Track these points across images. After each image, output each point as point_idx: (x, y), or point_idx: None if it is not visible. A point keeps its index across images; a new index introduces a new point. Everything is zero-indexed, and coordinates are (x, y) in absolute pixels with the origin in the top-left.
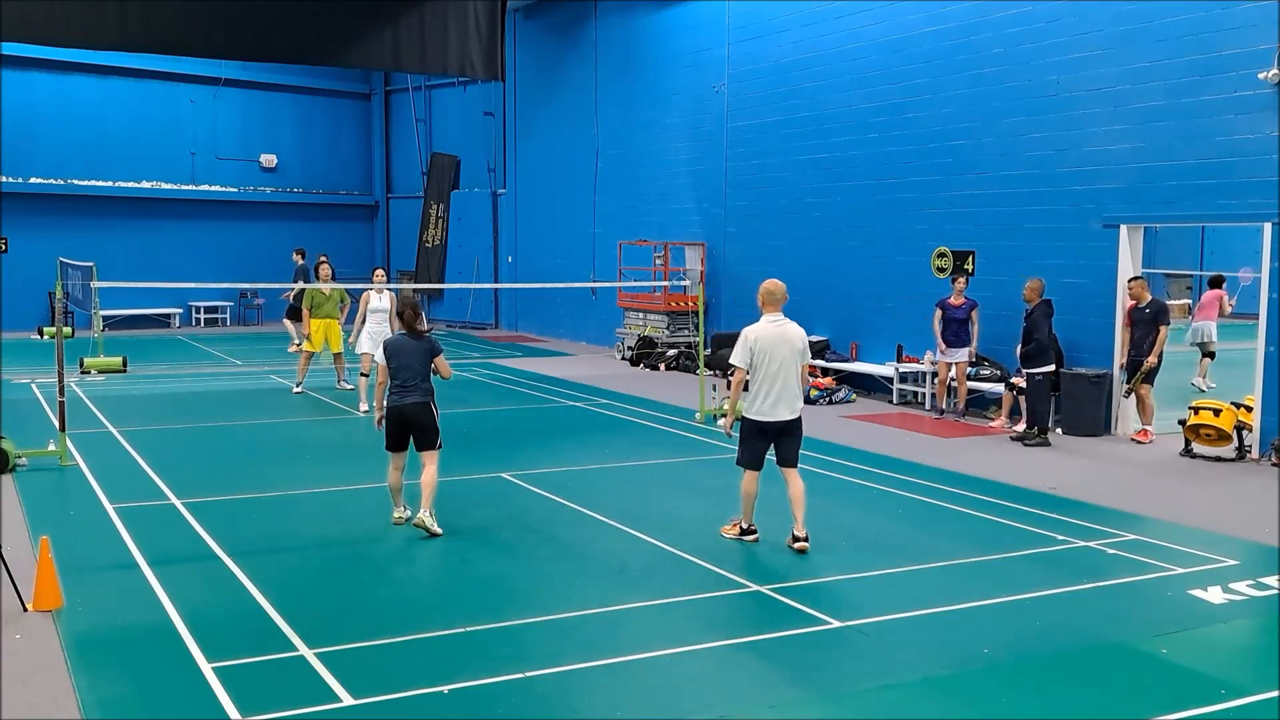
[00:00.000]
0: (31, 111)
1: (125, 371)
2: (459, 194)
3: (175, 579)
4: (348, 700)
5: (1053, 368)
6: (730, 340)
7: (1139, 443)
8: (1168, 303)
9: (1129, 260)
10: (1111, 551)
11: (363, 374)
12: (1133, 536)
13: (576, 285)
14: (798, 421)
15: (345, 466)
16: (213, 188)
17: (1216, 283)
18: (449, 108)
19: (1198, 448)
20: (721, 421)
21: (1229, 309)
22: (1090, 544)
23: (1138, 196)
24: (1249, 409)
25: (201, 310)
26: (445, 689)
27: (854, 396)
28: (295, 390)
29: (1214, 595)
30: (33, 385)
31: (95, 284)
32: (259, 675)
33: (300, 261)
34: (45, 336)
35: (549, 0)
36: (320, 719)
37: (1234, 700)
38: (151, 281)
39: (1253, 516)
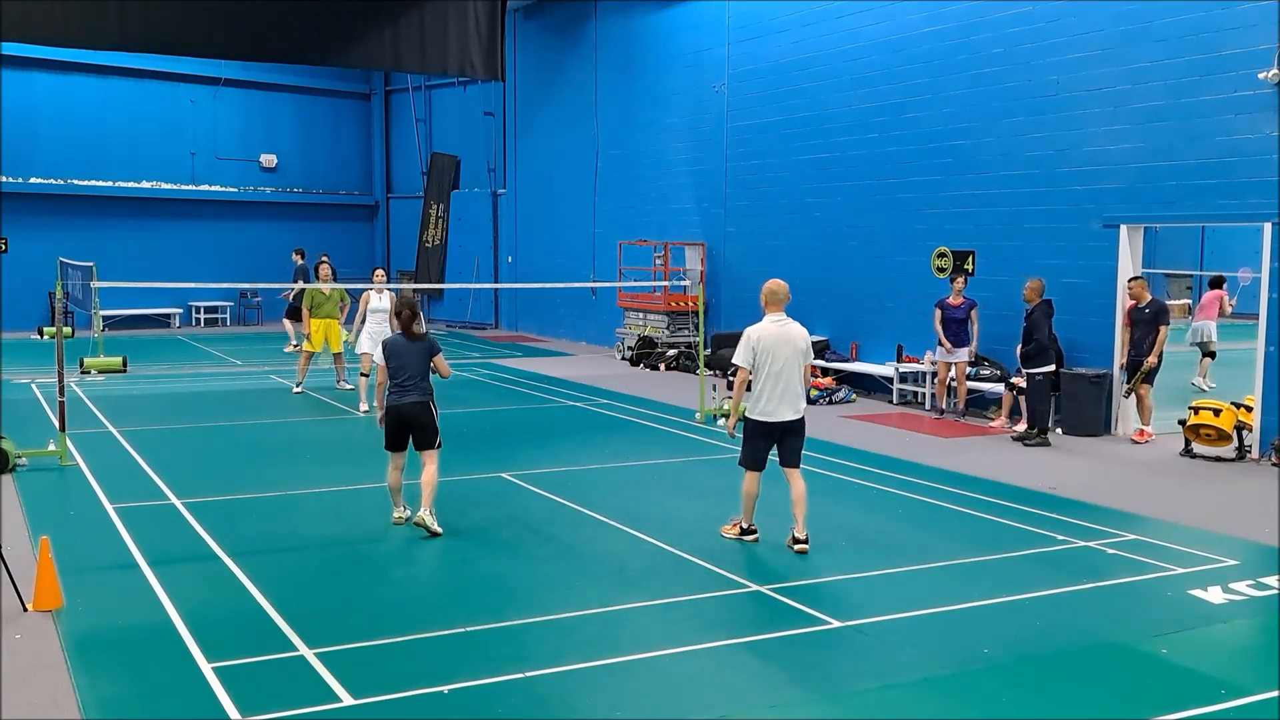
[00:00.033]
0: (31, 111)
1: (125, 371)
2: (459, 194)
3: (175, 579)
4: (348, 700)
5: (1053, 368)
6: (730, 340)
7: (1136, 442)
8: (1168, 303)
9: (1129, 260)
10: (1111, 551)
11: (363, 374)
12: (1133, 536)
13: (576, 285)
14: (801, 422)
15: (345, 466)
16: (213, 188)
17: (1217, 283)
18: (449, 108)
19: (1198, 448)
20: (722, 421)
21: (1229, 309)
22: (1090, 544)
23: (1138, 196)
24: (1249, 409)
25: (201, 310)
26: (445, 689)
27: (854, 396)
28: (295, 390)
29: (1214, 595)
30: (33, 385)
31: (95, 284)
32: (259, 675)
33: (300, 261)
34: (45, 336)
35: (549, 0)
36: (320, 719)
37: (1234, 700)
38: (151, 281)
39: (1253, 516)
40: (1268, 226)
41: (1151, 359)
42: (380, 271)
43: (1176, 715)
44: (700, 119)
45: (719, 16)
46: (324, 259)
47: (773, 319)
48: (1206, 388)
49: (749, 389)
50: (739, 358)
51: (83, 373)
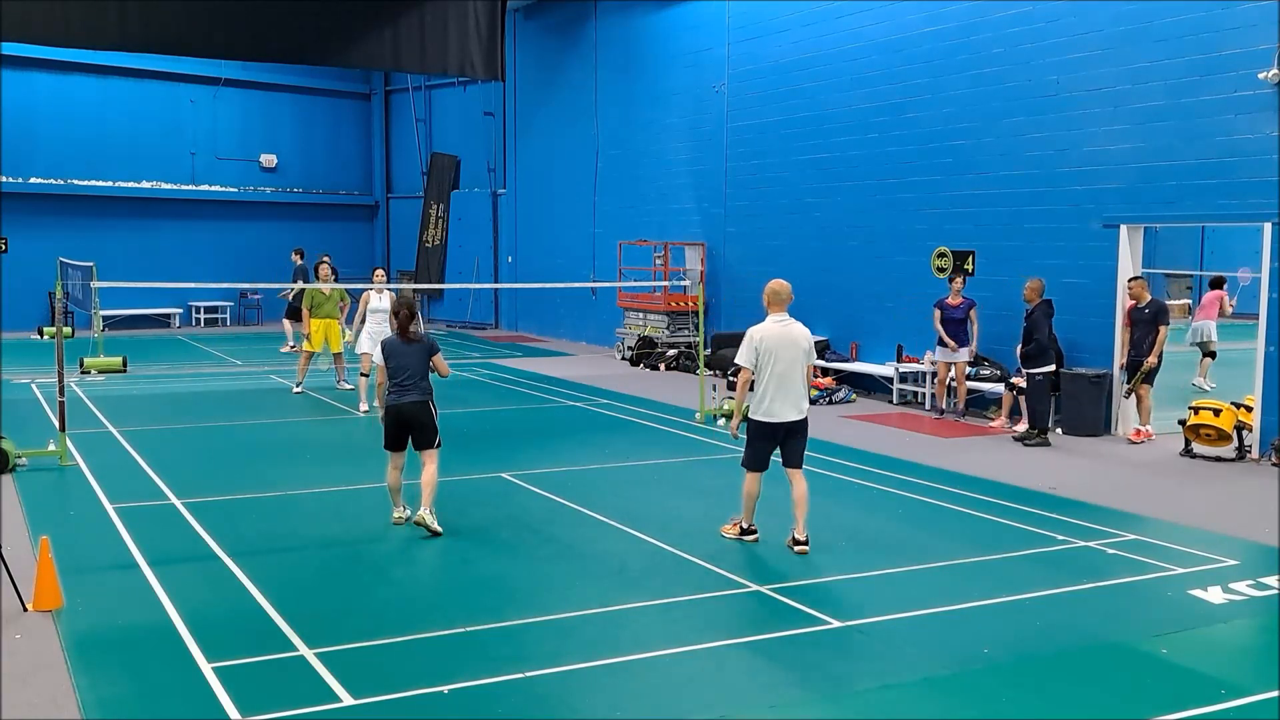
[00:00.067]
0: (31, 111)
1: (125, 371)
2: (459, 194)
3: (175, 579)
4: (348, 700)
5: (1053, 368)
6: (730, 340)
7: (1134, 442)
8: (1168, 303)
9: (1129, 260)
10: (1111, 551)
11: (363, 374)
12: (1133, 536)
13: (576, 285)
14: (804, 422)
15: (345, 466)
16: (213, 188)
17: (1218, 283)
18: (449, 108)
19: (1198, 448)
20: (722, 422)
21: (1230, 309)
22: (1090, 544)
23: (1138, 196)
24: (1249, 409)
25: (201, 310)
26: (445, 689)
27: (854, 396)
28: (295, 390)
29: (1214, 595)
30: (33, 385)
31: (95, 284)
32: (259, 675)
33: (299, 262)
34: (45, 336)
35: (549, 0)
36: (320, 719)
37: (1234, 700)
38: (151, 281)
39: (1253, 516)
40: (1268, 226)
41: (1151, 359)
42: (380, 271)
43: (1176, 715)
44: (700, 119)
45: (719, 16)
46: (325, 259)
47: (775, 319)
48: (1208, 388)
49: (751, 389)
50: (742, 358)
51: (83, 373)
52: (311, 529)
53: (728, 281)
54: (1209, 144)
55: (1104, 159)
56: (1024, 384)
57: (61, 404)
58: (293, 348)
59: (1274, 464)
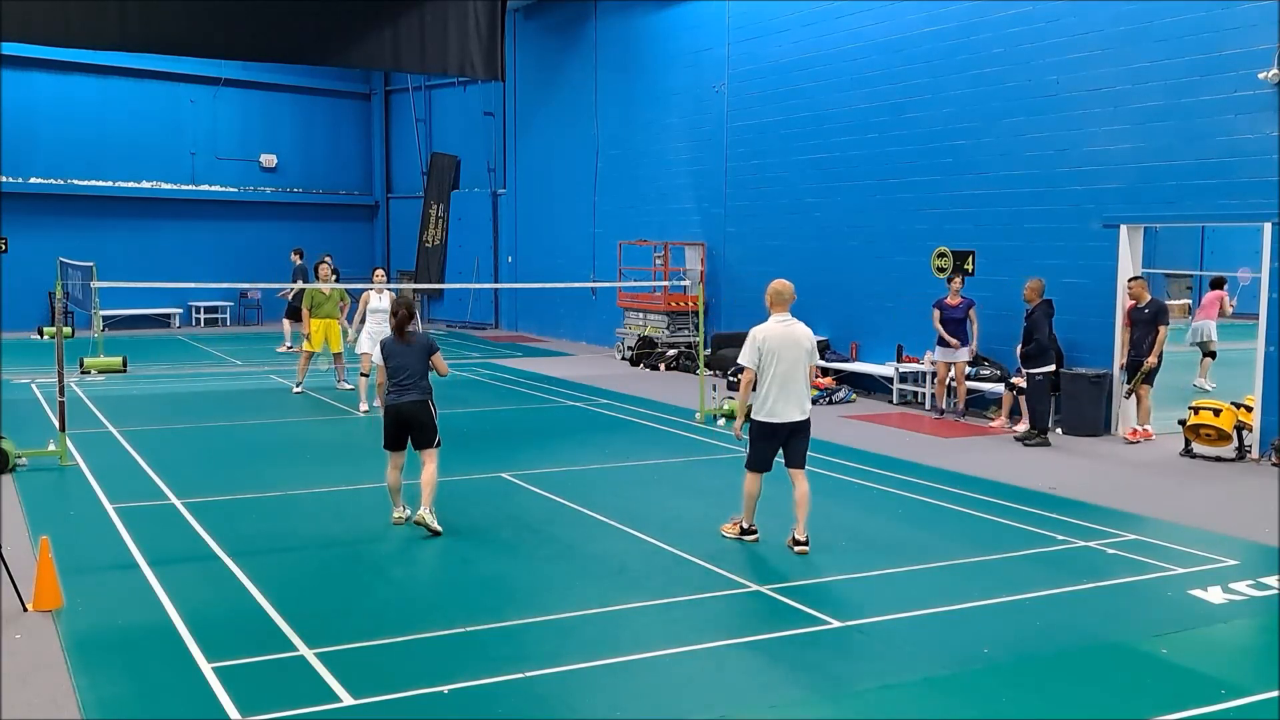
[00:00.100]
0: (31, 111)
1: (125, 371)
2: (459, 194)
3: (175, 579)
4: (348, 700)
5: (1053, 368)
6: (730, 340)
7: (1130, 441)
8: (1168, 303)
9: (1129, 260)
10: (1111, 551)
11: (363, 374)
12: (1133, 536)
13: (576, 285)
14: (807, 422)
15: (345, 466)
16: (213, 188)
17: (1218, 284)
18: (449, 108)
19: (1198, 448)
20: (723, 422)
21: (1230, 310)
22: (1090, 544)
23: (1138, 196)
24: (1249, 409)
25: (201, 310)
26: (445, 689)
27: (854, 396)
28: (295, 390)
29: (1214, 595)
30: (33, 385)
31: (95, 284)
32: (259, 675)
33: (298, 262)
34: (45, 336)
35: (549, 0)
36: (320, 719)
37: (1234, 700)
38: (151, 281)
39: (1253, 516)
40: (1268, 226)
41: (1151, 359)
42: (380, 271)
43: (1176, 715)
44: (700, 119)
45: (719, 16)
46: (326, 259)
47: (778, 319)
48: (1208, 388)
49: (754, 389)
50: (744, 358)
51: (83, 373)
52: (311, 529)
53: (728, 281)
54: (1209, 144)
55: (1104, 159)
56: (1024, 384)
57: (61, 404)
58: (289, 348)
59: (1274, 464)
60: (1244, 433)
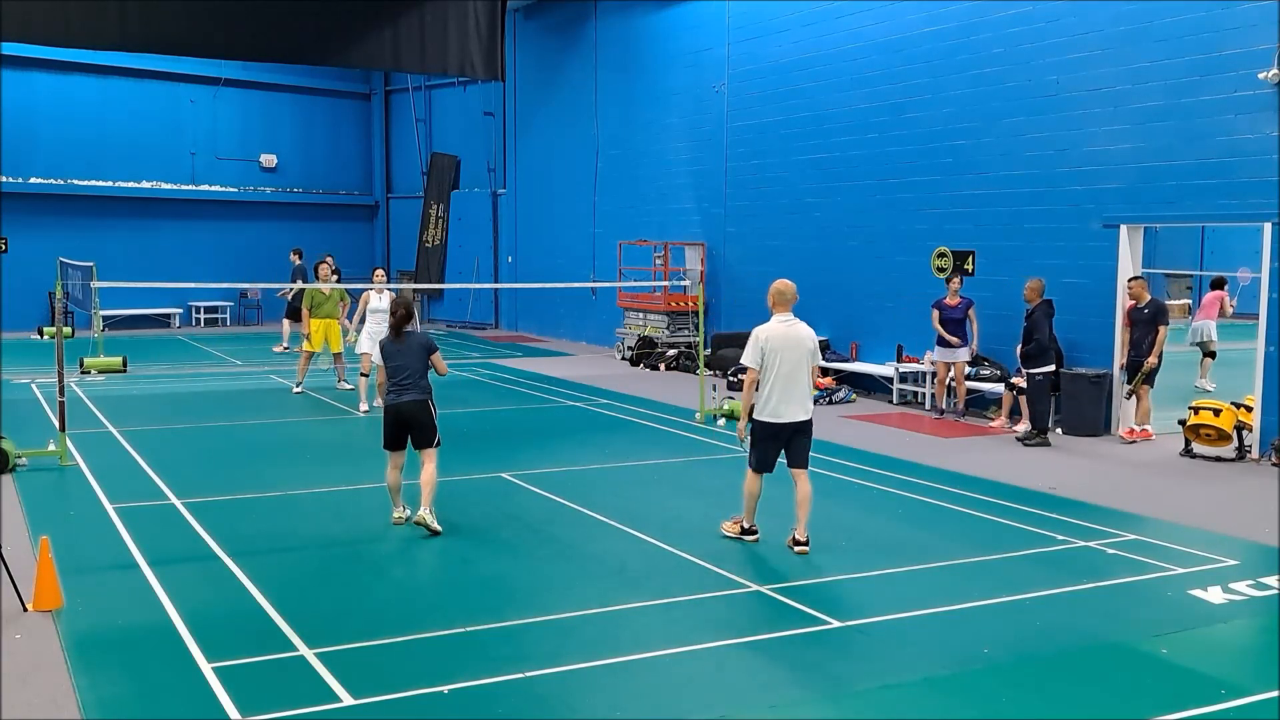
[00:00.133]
0: (31, 111)
1: (125, 371)
2: (459, 194)
3: (175, 579)
4: (348, 700)
5: (1053, 368)
6: (730, 340)
7: (1126, 441)
8: (1168, 303)
9: (1129, 260)
10: (1111, 551)
11: (363, 374)
12: (1133, 536)
13: (576, 285)
14: (809, 422)
15: (345, 466)
16: (213, 188)
17: (1219, 284)
18: (449, 108)
19: (1198, 448)
20: (723, 422)
21: (1230, 310)
22: (1090, 544)
23: (1138, 196)
24: (1249, 409)
25: (201, 310)
26: (445, 689)
27: (854, 396)
28: (295, 390)
29: (1214, 595)
30: (33, 385)
31: (95, 284)
32: (259, 675)
33: (298, 262)
34: (45, 336)
35: (549, 0)
36: (320, 719)
37: (1234, 700)
38: (151, 281)
39: (1253, 516)
40: (1268, 226)
41: (1152, 359)
42: (380, 271)
43: (1176, 715)
44: (700, 119)
45: (719, 16)
46: (327, 259)
47: (780, 319)
48: (1209, 388)
49: (756, 389)
50: (748, 358)
51: (83, 373)
52: (311, 529)
53: (728, 281)
54: (1209, 144)
55: (1104, 159)
56: (1024, 384)
57: (61, 404)
58: (284, 348)
59: (1274, 464)
60: (1244, 433)
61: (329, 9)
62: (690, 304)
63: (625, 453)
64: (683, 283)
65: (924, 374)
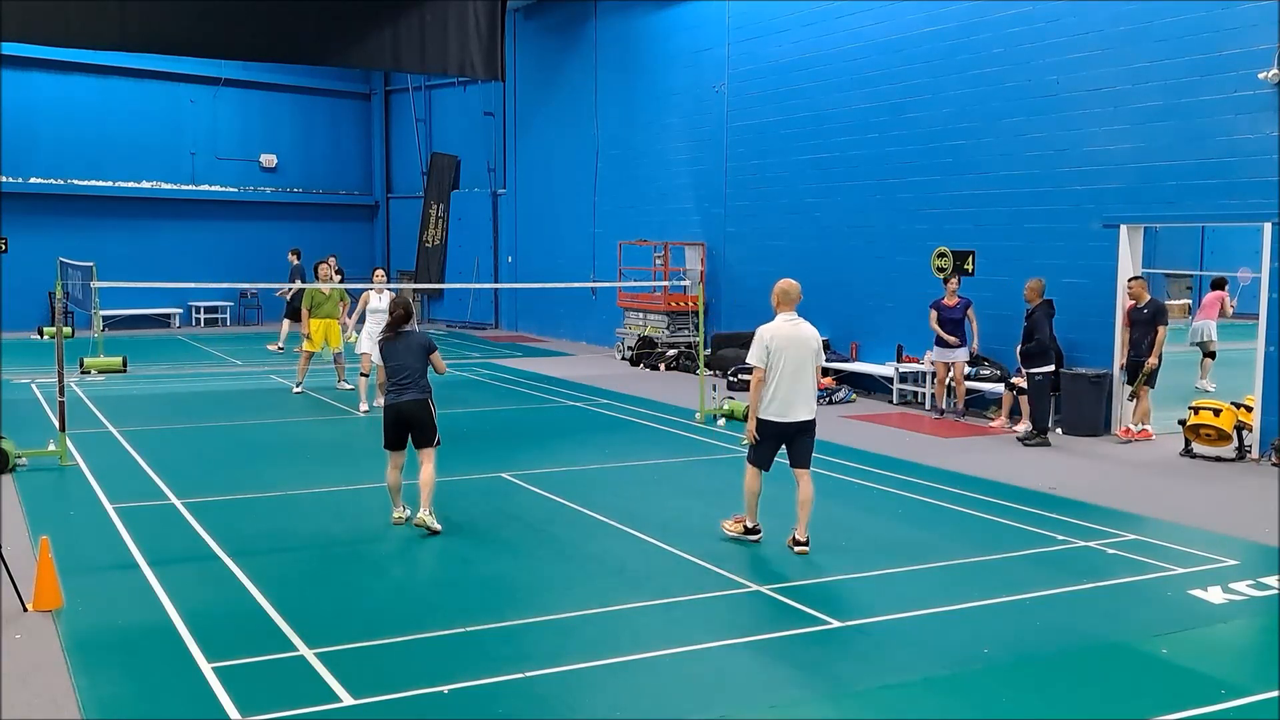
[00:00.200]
0: (31, 111)
1: (125, 371)
2: (459, 194)
3: (175, 579)
4: (348, 700)
5: (1053, 368)
6: (730, 340)
7: (1123, 440)
8: (1168, 303)
9: (1129, 260)
10: (1111, 551)
11: (362, 374)
12: (1133, 536)
13: (576, 285)
14: (813, 422)
15: (345, 466)
16: (213, 188)
17: (1219, 284)
18: (449, 108)
19: (1198, 448)
20: (723, 422)
21: (1230, 310)
22: (1090, 544)
23: (1138, 196)
24: (1249, 409)
25: (201, 310)
26: (445, 689)
27: (854, 396)
28: (295, 390)
29: (1214, 595)
30: (33, 385)
31: (95, 284)
32: (259, 675)
33: (295, 262)
34: (45, 336)
35: (549, 0)
36: (320, 719)
37: (1234, 700)
38: (151, 281)
39: (1253, 516)
40: (1268, 226)
41: (1152, 360)
42: (380, 271)
43: (1176, 715)
44: (700, 119)
45: (719, 16)
46: (330, 259)
47: (785, 318)
48: (1210, 388)
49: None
50: (753, 357)
51: (83, 373)
52: (311, 529)
53: (728, 281)
54: (1209, 144)
55: (1104, 159)
56: (1024, 384)
57: (61, 404)
58: (279, 348)
59: (1274, 464)
60: (1244, 433)
61: (329, 9)
62: (690, 304)
63: (625, 453)
64: (683, 283)
65: (924, 374)
